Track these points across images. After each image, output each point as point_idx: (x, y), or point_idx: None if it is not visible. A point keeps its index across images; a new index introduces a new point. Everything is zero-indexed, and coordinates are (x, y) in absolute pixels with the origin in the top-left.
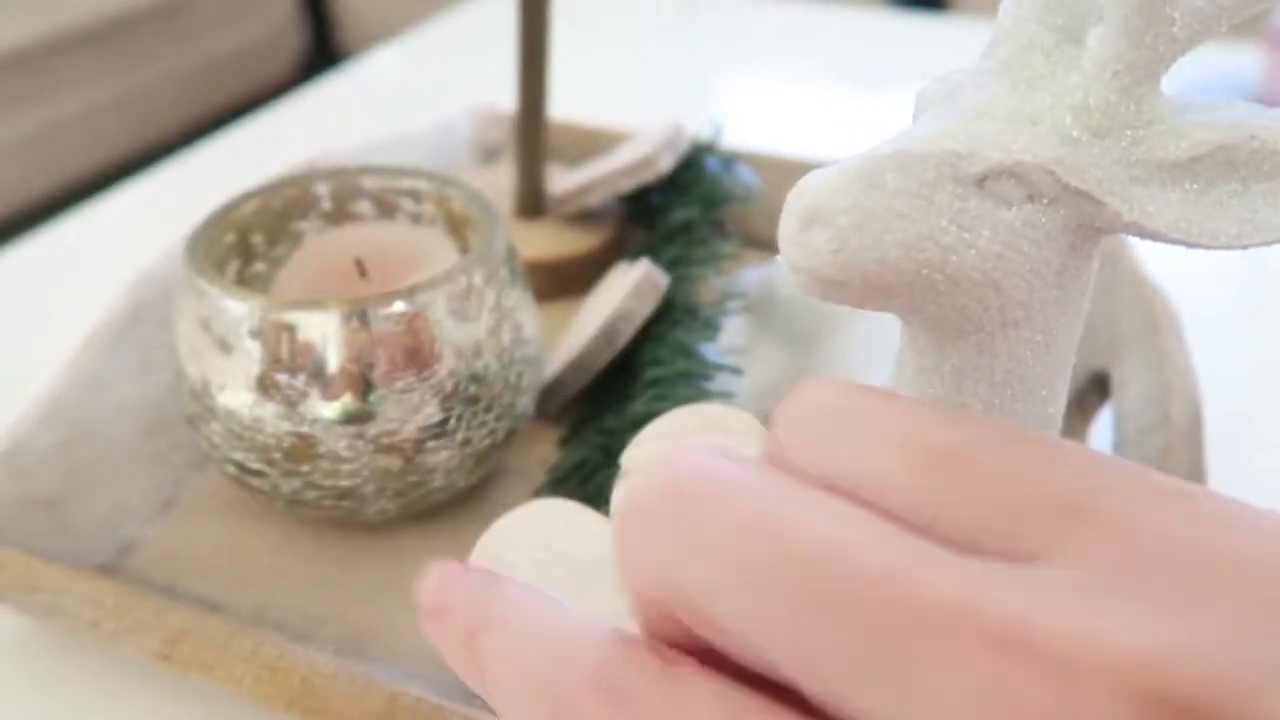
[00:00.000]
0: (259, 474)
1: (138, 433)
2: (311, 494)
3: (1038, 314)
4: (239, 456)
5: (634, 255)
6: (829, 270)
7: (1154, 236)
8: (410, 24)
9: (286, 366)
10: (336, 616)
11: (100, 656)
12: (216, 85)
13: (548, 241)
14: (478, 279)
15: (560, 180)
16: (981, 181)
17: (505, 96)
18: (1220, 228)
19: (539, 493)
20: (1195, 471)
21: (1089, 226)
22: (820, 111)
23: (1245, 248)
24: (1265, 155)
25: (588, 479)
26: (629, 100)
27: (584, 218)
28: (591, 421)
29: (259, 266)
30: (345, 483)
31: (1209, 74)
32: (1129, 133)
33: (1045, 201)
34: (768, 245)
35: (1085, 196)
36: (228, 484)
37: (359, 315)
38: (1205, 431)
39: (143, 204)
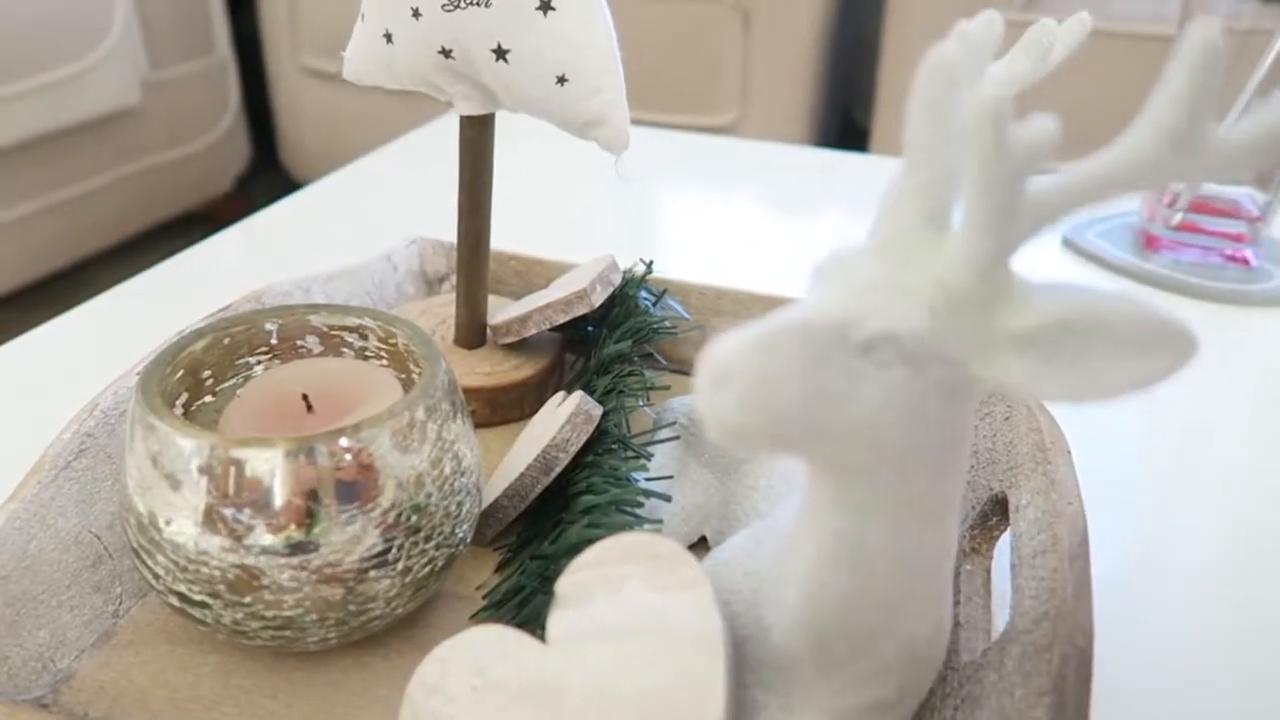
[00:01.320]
0: (202, 605)
1: (79, 564)
2: (253, 624)
3: (923, 457)
4: (183, 588)
5: (570, 385)
6: (733, 423)
7: (1012, 394)
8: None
9: (233, 501)
10: None
11: None
12: (158, 198)
13: (487, 370)
14: (420, 413)
15: (500, 311)
16: (865, 347)
17: (447, 221)
18: (1066, 386)
19: (476, 618)
20: (1080, 592)
21: (957, 384)
22: (749, 242)
23: (1089, 403)
24: (1098, 327)
25: (524, 603)
26: (566, 232)
27: (522, 346)
28: (528, 547)
29: (207, 399)
30: (288, 613)
31: (1100, 207)
32: (985, 308)
33: (918, 364)
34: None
35: (950, 360)
36: (168, 614)
37: (305, 451)
38: (1089, 555)
39: (87, 328)
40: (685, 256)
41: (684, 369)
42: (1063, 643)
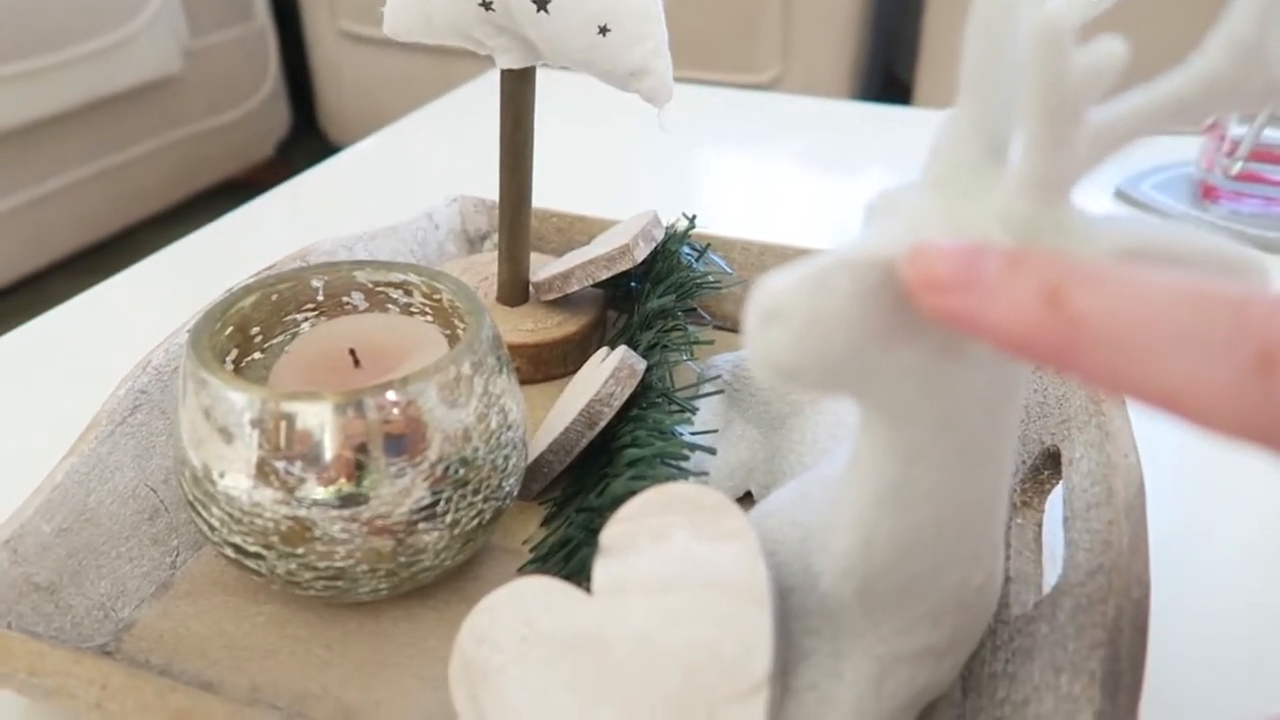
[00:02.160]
0: (257, 556)
1: (136, 517)
2: (307, 575)
3: (975, 399)
4: (237, 540)
5: (613, 341)
6: (785, 362)
7: None
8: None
9: (285, 454)
10: (326, 694)
11: None
12: (200, 165)
13: (531, 326)
14: (466, 368)
15: (542, 268)
16: None
17: (486, 181)
18: None
19: (523, 570)
20: (1137, 545)
21: None
22: (791, 198)
23: None
24: (1164, 256)
25: (570, 556)
26: (606, 189)
27: (565, 303)
28: (573, 501)
29: (256, 355)
30: (339, 564)
31: (1156, 157)
32: (1045, 239)
33: None
34: (740, 329)
35: None
36: (223, 565)
37: (355, 405)
38: (1146, 508)
39: (138, 291)
40: (727, 212)
41: (727, 325)
42: (1118, 595)
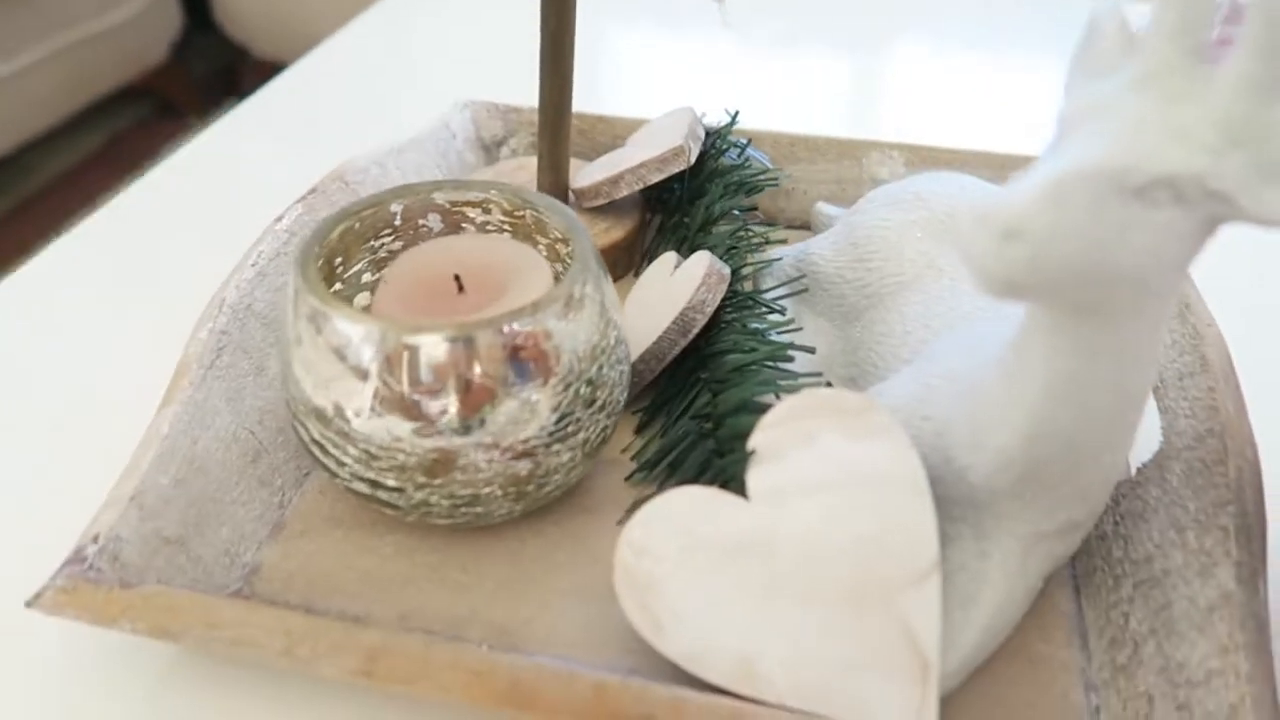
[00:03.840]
0: (395, 490)
1: (241, 460)
2: (444, 504)
3: (1163, 298)
4: (372, 475)
5: (663, 244)
6: (1022, 277)
7: (1272, 224)
8: None
9: (424, 388)
10: (474, 617)
11: (248, 679)
12: (91, 73)
13: None
14: (586, 288)
15: (583, 173)
16: (1140, 192)
17: (464, 79)
18: None
19: (631, 480)
20: (1241, 408)
21: (1218, 220)
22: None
23: None
24: None
25: (677, 462)
26: (609, 84)
27: (608, 209)
28: (664, 407)
29: (338, 286)
30: (480, 491)
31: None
32: (1260, 141)
33: (1189, 204)
34: (780, 222)
35: (1224, 198)
36: (331, 500)
37: (489, 334)
38: (1236, 374)
39: (141, 212)
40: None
41: (770, 220)
42: (1236, 456)
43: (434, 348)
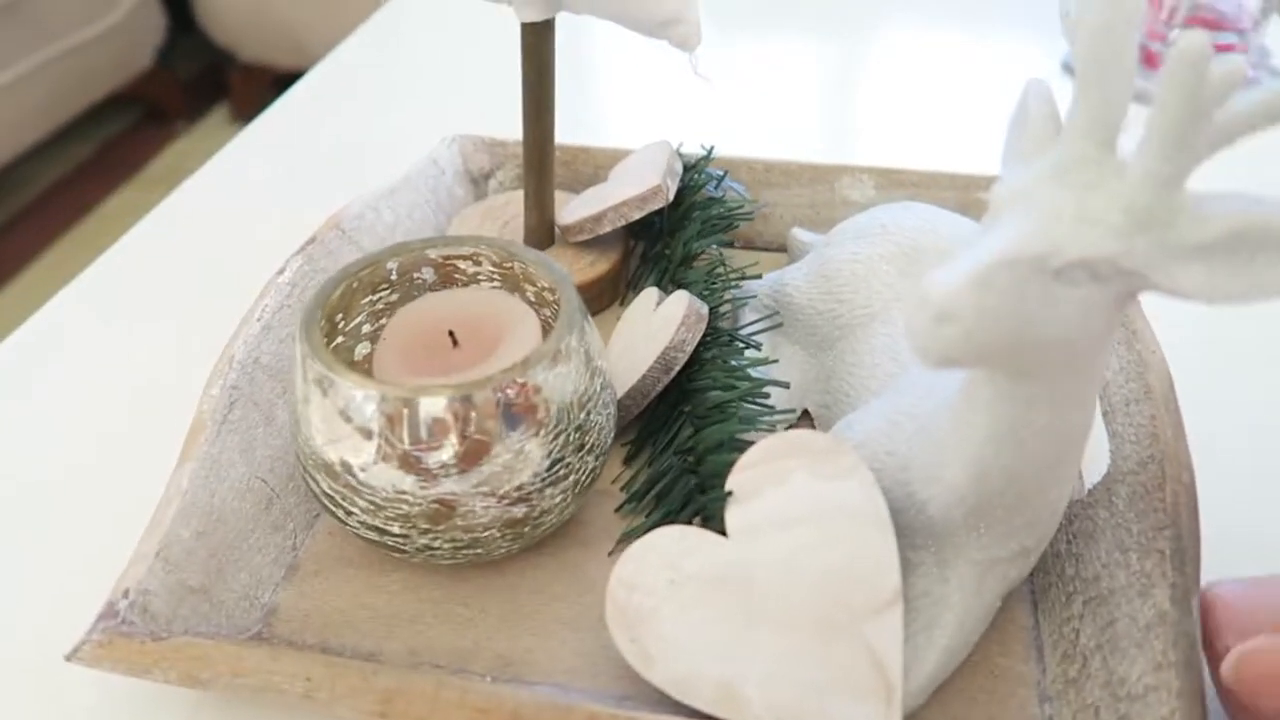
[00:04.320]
0: (400, 536)
1: (255, 508)
2: (446, 547)
3: (1094, 355)
4: (379, 524)
5: (646, 276)
6: (956, 355)
7: (1183, 297)
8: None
9: (424, 445)
10: (479, 649)
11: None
12: (79, 83)
13: (565, 269)
14: (572, 340)
15: (567, 209)
16: (1059, 272)
17: (449, 98)
18: (1234, 289)
19: (621, 510)
20: (1179, 435)
21: (1133, 292)
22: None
23: (1251, 303)
24: (1267, 234)
25: (663, 494)
26: (585, 113)
27: (592, 242)
28: (650, 439)
29: (339, 339)
30: (479, 535)
31: None
32: (1166, 225)
33: (1104, 280)
34: (757, 245)
35: (1135, 274)
36: (340, 540)
37: (483, 393)
38: (1177, 401)
39: (141, 259)
40: (707, 123)
41: (748, 244)
42: (1172, 481)
43: (432, 407)
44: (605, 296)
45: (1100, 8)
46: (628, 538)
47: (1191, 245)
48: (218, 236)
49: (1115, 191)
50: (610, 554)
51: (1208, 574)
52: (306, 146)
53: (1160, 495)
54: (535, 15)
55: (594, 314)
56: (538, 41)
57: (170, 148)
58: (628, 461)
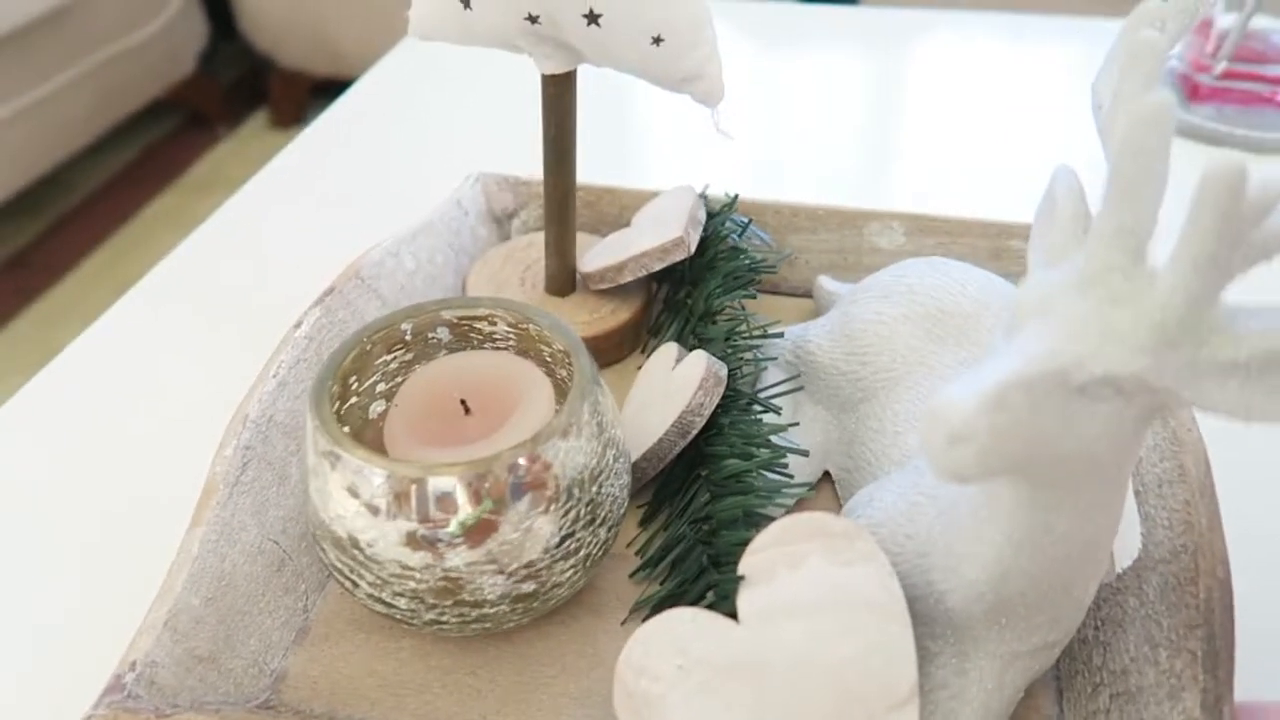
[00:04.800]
0: (407, 610)
1: (266, 571)
2: (453, 621)
3: (1119, 466)
4: (387, 598)
5: (667, 326)
6: (970, 474)
7: (1214, 414)
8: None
9: (432, 522)
10: None
11: None
12: (122, 89)
13: (586, 318)
14: (585, 412)
15: (587, 252)
16: (1082, 388)
17: (481, 128)
18: (1271, 409)
19: (635, 576)
20: (1215, 524)
21: (1161, 406)
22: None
23: None
24: None
25: (678, 560)
26: (608, 152)
27: (614, 290)
28: (667, 502)
29: (353, 400)
30: (487, 610)
31: None
32: (1195, 342)
33: (1129, 396)
34: (782, 290)
35: (1163, 391)
36: (351, 605)
37: (494, 469)
38: (1214, 485)
39: (162, 296)
40: (736, 159)
41: (773, 289)
42: (1206, 576)
43: (441, 484)
44: (626, 345)
45: (1134, 121)
46: (640, 607)
47: (1222, 363)
48: (237, 278)
49: (1144, 307)
50: (623, 623)
51: (1242, 678)
52: (331, 178)
53: (1193, 589)
54: (556, 68)
55: (615, 363)
56: (559, 92)
57: (211, 153)
58: (643, 524)
